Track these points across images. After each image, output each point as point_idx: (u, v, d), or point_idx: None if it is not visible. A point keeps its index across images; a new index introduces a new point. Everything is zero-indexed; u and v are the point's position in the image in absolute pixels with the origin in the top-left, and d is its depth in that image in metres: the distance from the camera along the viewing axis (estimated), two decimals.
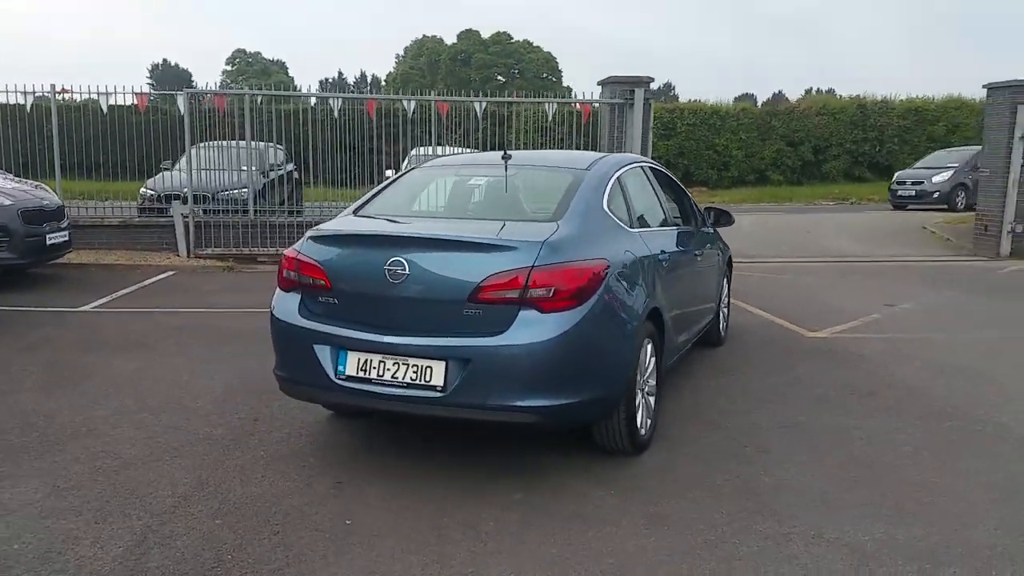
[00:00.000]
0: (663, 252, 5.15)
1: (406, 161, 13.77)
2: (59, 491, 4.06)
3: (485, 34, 76.83)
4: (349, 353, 4.15)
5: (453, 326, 4.01)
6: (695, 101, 31.65)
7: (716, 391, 5.98)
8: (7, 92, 12.62)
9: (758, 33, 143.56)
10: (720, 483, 4.27)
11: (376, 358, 4.09)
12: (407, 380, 4.02)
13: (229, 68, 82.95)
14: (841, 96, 34.59)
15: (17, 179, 11.21)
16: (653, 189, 5.80)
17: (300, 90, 17.37)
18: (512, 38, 77.06)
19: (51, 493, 4.04)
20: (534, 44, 77.97)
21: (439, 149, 13.29)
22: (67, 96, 13.11)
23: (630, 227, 4.88)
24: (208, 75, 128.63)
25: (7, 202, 9.63)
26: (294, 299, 4.45)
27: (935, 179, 21.68)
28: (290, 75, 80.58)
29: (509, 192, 5.04)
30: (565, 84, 76.91)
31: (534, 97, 14.87)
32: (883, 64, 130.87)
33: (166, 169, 13.38)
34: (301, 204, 14.70)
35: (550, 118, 13.42)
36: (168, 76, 77.91)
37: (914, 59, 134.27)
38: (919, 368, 6.66)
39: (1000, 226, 13.73)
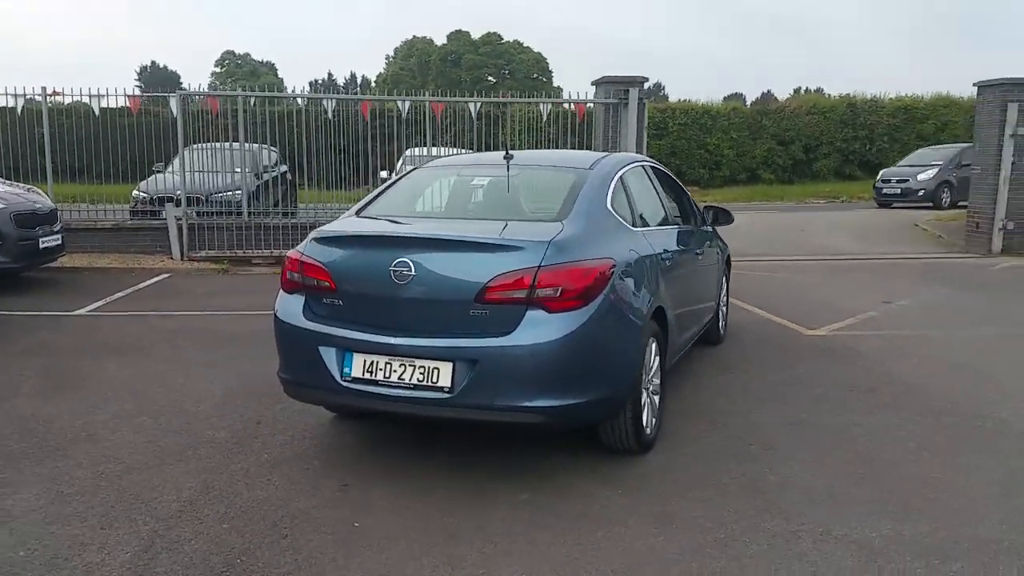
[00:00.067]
0: (666, 251, 5.16)
1: (400, 161, 13.75)
2: (63, 497, 4.04)
3: (475, 35, 76.84)
4: (355, 355, 4.13)
5: (460, 327, 4.00)
6: (685, 101, 31.74)
7: (717, 390, 5.98)
8: None
9: (744, 33, 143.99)
10: (726, 481, 4.27)
11: (382, 360, 4.07)
12: (414, 381, 4.00)
13: (218, 70, 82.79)
14: (831, 95, 34.71)
15: (9, 182, 11.15)
16: (654, 188, 5.80)
17: (291, 92, 17.31)
18: (502, 38, 77.07)
19: (54, 499, 4.01)
20: (524, 44, 78.00)
21: (434, 150, 13.27)
22: (58, 98, 13.03)
23: (633, 226, 4.88)
24: (197, 77, 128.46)
25: (0, 205, 9.57)
26: (298, 301, 4.43)
27: (920, 177, 21.69)
28: (279, 76, 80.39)
29: (512, 192, 5.04)
30: (556, 84, 77.03)
31: (527, 97, 14.85)
32: (871, 63, 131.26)
33: (158, 171, 13.30)
34: (295, 206, 14.67)
35: (545, 118, 13.42)
36: (157, 78, 77.54)
37: (901, 58, 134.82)
38: (918, 365, 6.68)
39: (992, 223, 13.79)
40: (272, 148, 14.11)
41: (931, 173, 21.67)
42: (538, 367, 3.92)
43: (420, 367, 4.01)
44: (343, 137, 13.45)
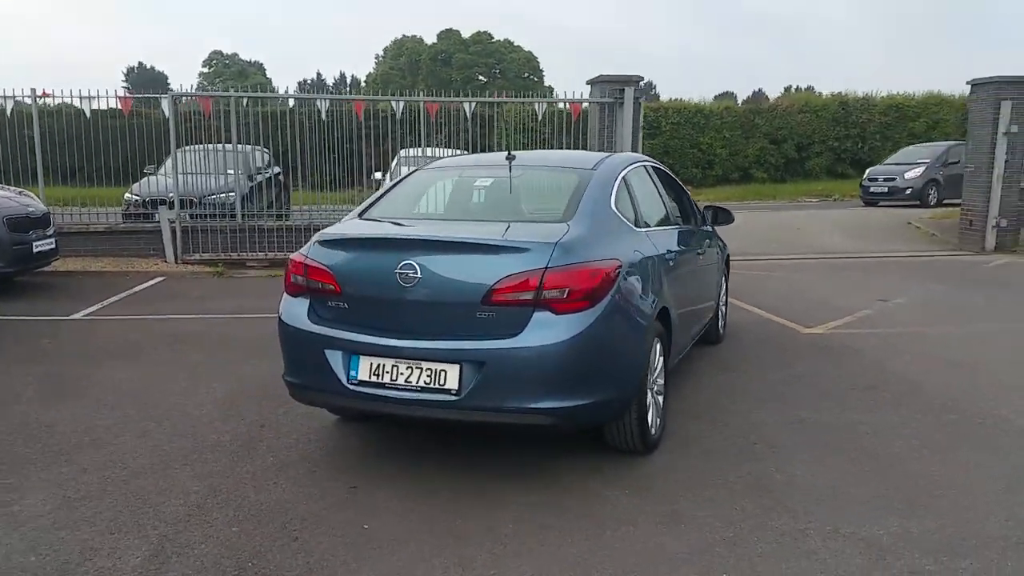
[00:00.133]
0: (669, 251, 5.17)
1: (395, 162, 13.73)
2: (70, 502, 4.03)
3: (465, 34, 76.75)
4: (361, 358, 4.13)
5: (466, 329, 4.00)
6: (677, 100, 31.76)
7: (718, 389, 6.00)
8: None
9: (731, 32, 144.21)
10: (732, 480, 4.29)
11: (389, 362, 4.07)
12: (421, 384, 4.01)
13: (206, 70, 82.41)
14: (822, 94, 34.79)
15: (1, 186, 11.09)
16: (656, 188, 5.81)
17: (281, 91, 17.26)
18: (493, 37, 77.02)
19: (62, 504, 4.00)
20: (515, 44, 77.98)
21: (428, 150, 13.25)
22: (48, 100, 12.97)
23: (636, 226, 4.89)
24: (184, 78, 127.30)
25: None
26: (302, 304, 4.42)
27: (907, 175, 21.61)
28: (268, 77, 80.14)
29: (517, 193, 5.05)
30: (547, 84, 77.06)
31: (519, 96, 14.85)
32: (861, 62, 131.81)
33: (150, 174, 13.22)
34: (288, 208, 14.64)
35: (540, 118, 13.43)
36: (144, 79, 77.20)
37: (890, 57, 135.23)
38: (916, 362, 6.71)
39: (985, 221, 13.85)
40: (264, 150, 14.08)
41: (918, 171, 21.59)
42: (545, 368, 3.92)
43: (427, 369, 4.01)
44: (335, 138, 13.42)
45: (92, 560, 3.45)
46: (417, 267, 4.05)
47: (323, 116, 13.00)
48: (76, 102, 12.68)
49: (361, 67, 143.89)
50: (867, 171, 23.44)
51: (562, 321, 3.94)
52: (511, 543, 3.62)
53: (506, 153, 5.19)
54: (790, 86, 68.96)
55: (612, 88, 12.85)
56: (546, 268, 3.94)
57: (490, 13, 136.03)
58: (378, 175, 13.94)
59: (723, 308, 7.45)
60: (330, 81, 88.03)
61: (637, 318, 4.38)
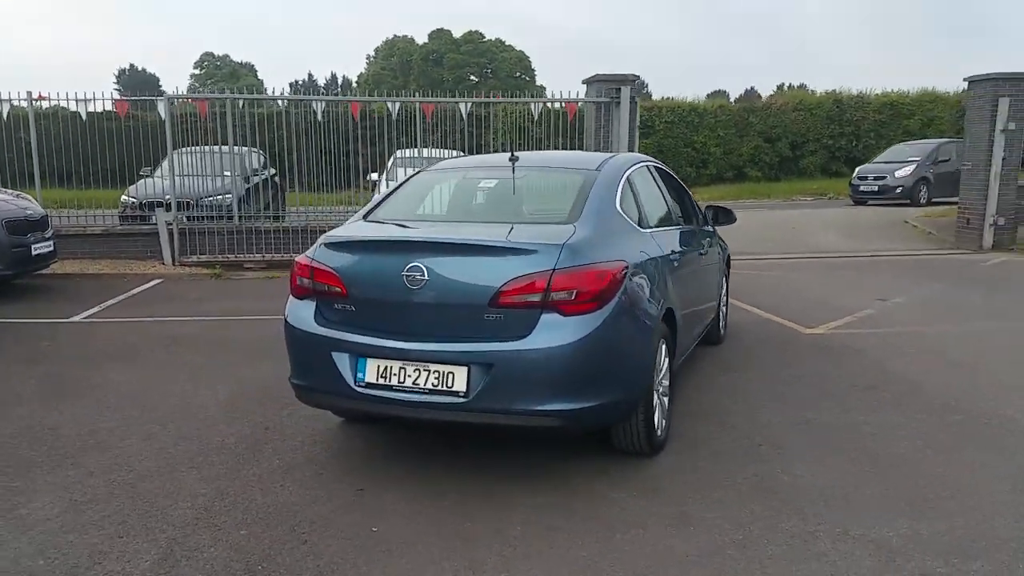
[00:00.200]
0: (673, 252, 5.18)
1: (390, 162, 13.71)
2: (77, 505, 4.01)
3: (457, 33, 76.75)
4: (369, 360, 4.13)
5: (474, 331, 4.00)
6: (669, 98, 31.77)
7: (720, 390, 6.00)
8: None
9: (723, 29, 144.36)
10: (739, 482, 4.29)
11: (397, 365, 4.07)
12: (429, 386, 4.00)
13: (197, 72, 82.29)
14: (815, 91, 34.88)
15: None
16: (659, 188, 5.81)
17: (272, 92, 17.21)
18: (484, 37, 77.04)
19: (69, 508, 3.99)
20: (506, 43, 78.00)
21: (424, 151, 13.23)
22: (44, 103, 12.94)
23: (641, 227, 4.89)
24: (176, 79, 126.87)
25: None
26: (309, 307, 4.42)
27: (898, 174, 21.42)
28: (259, 78, 79.98)
29: (522, 194, 5.04)
30: (539, 83, 77.09)
31: (513, 96, 14.81)
32: (852, 60, 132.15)
33: (145, 176, 13.19)
34: (284, 209, 14.62)
35: (536, 117, 13.42)
36: (135, 81, 77.17)
37: (882, 53, 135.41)
38: (918, 362, 6.72)
39: (982, 219, 13.87)
40: (259, 151, 14.06)
41: (909, 169, 21.41)
42: (554, 370, 3.92)
43: (435, 372, 4.01)
44: (331, 139, 13.39)
45: (101, 564, 3.43)
46: (424, 269, 4.04)
47: (319, 117, 12.98)
48: (72, 105, 12.65)
49: (352, 68, 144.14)
50: (856, 170, 23.29)
51: (570, 323, 3.94)
52: (520, 545, 3.62)
53: (509, 154, 5.18)
54: (782, 84, 69.21)
55: (608, 87, 12.84)
56: (554, 270, 3.94)
57: (477, 12, 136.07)
58: (374, 176, 13.93)
59: (724, 309, 7.45)
60: (321, 82, 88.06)
61: (644, 319, 4.38)
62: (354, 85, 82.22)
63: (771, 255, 13.54)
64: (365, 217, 4.99)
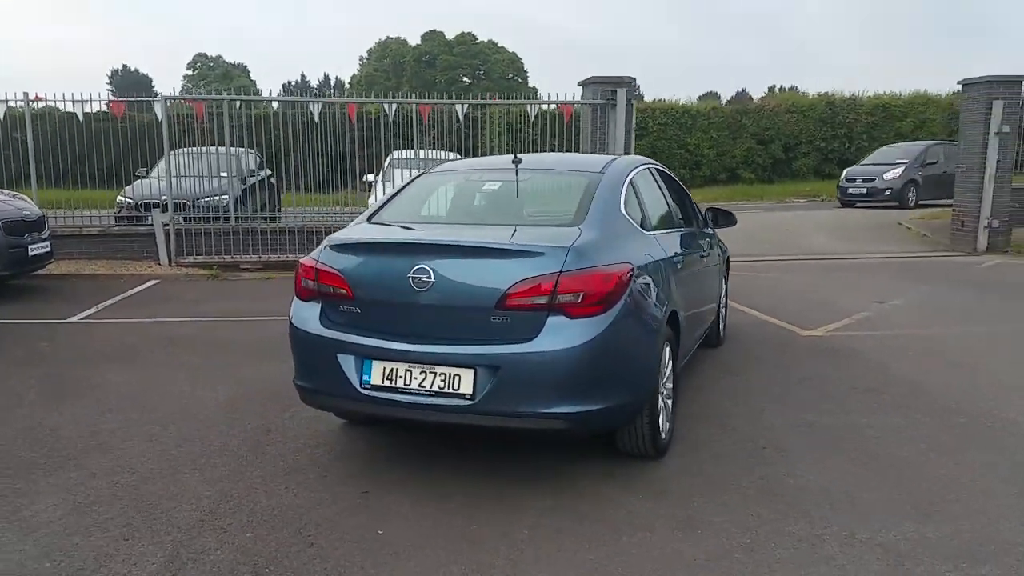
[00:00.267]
0: (676, 254, 5.18)
1: (387, 163, 13.69)
2: (80, 508, 3.99)
3: (450, 35, 76.70)
4: (374, 362, 4.11)
5: (480, 333, 3.99)
6: (661, 100, 31.82)
7: (722, 392, 6.00)
8: None
9: (714, 30, 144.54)
10: (745, 485, 4.29)
11: (402, 367, 4.06)
12: (435, 389, 3.99)
13: (190, 73, 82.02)
14: (807, 93, 34.95)
15: None
16: (661, 191, 5.81)
17: (266, 93, 17.16)
18: (477, 38, 76.99)
19: (72, 510, 3.97)
20: (499, 44, 77.96)
21: (420, 152, 13.22)
22: (40, 104, 12.90)
23: (644, 229, 4.90)
24: (169, 80, 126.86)
25: None
26: (314, 308, 4.40)
27: (887, 176, 21.24)
28: (252, 79, 79.79)
29: (526, 196, 5.02)
30: (531, 84, 77.10)
31: (508, 98, 14.79)
32: (844, 61, 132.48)
33: (141, 176, 13.16)
34: (279, 210, 14.59)
35: (532, 119, 13.41)
36: (128, 82, 76.88)
37: (882, 53, 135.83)
38: (918, 364, 6.74)
39: (977, 221, 13.93)
40: (255, 152, 14.03)
41: (897, 172, 21.21)
42: (560, 373, 3.91)
43: (441, 374, 4.00)
44: (327, 140, 13.37)
45: (108, 566, 3.41)
46: (430, 271, 4.03)
47: (315, 119, 12.95)
48: (68, 105, 12.59)
49: (345, 69, 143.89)
50: (845, 172, 23.06)
51: (577, 325, 3.93)
52: (528, 549, 3.61)
53: (512, 156, 5.17)
54: (774, 86, 69.41)
55: (604, 89, 12.84)
56: (560, 272, 3.93)
57: (475, 12, 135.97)
58: (370, 177, 13.91)
59: (723, 311, 7.46)
60: (314, 83, 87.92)
61: (649, 322, 4.37)
62: (347, 86, 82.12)
63: (767, 256, 13.56)
64: (369, 219, 4.97)
